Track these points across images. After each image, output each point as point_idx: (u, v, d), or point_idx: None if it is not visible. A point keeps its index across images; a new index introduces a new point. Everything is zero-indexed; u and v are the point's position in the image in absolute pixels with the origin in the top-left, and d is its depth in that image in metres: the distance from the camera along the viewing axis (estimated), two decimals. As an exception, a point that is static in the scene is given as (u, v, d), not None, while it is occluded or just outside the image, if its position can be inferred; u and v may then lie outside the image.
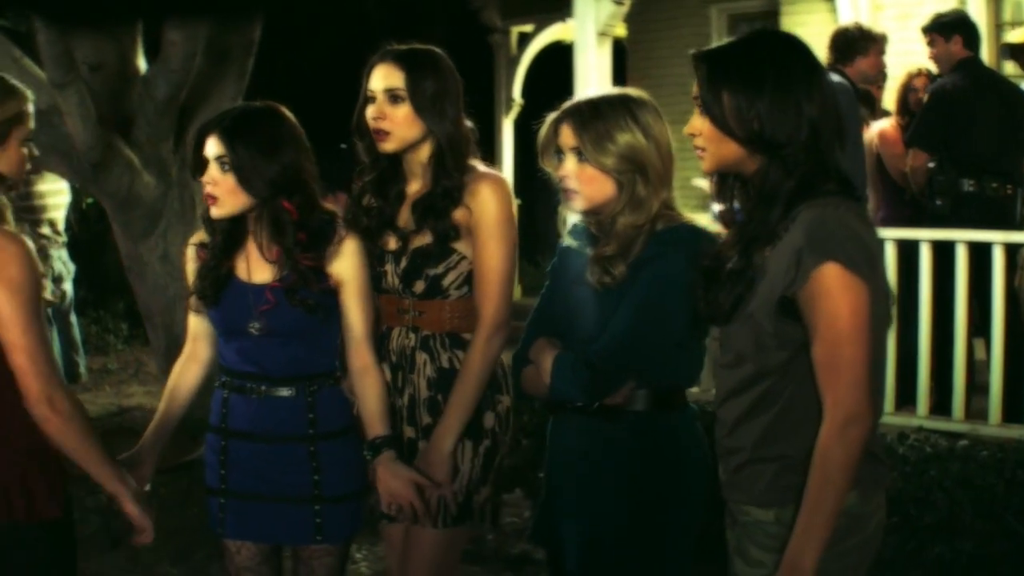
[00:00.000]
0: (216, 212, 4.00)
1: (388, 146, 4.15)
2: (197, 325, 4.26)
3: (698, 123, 3.36)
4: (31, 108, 3.87)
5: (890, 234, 7.70)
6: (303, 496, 4.10)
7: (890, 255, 7.52)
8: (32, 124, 3.87)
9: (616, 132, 3.71)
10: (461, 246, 4.11)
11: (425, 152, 4.14)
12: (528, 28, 15.98)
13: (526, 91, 15.54)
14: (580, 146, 3.72)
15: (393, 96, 4.09)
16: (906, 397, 7.60)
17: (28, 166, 3.92)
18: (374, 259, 4.22)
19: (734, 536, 3.48)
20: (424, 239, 4.13)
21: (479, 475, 4.16)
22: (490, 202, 4.07)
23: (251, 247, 4.10)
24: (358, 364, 4.13)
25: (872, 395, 3.18)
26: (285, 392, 4.09)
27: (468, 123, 4.21)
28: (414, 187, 4.20)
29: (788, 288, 3.16)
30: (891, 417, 7.44)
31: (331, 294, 4.06)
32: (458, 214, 4.09)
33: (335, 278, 4.05)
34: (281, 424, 4.10)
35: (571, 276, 3.84)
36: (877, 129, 8.64)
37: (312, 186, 4.08)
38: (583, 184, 3.74)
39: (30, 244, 3.69)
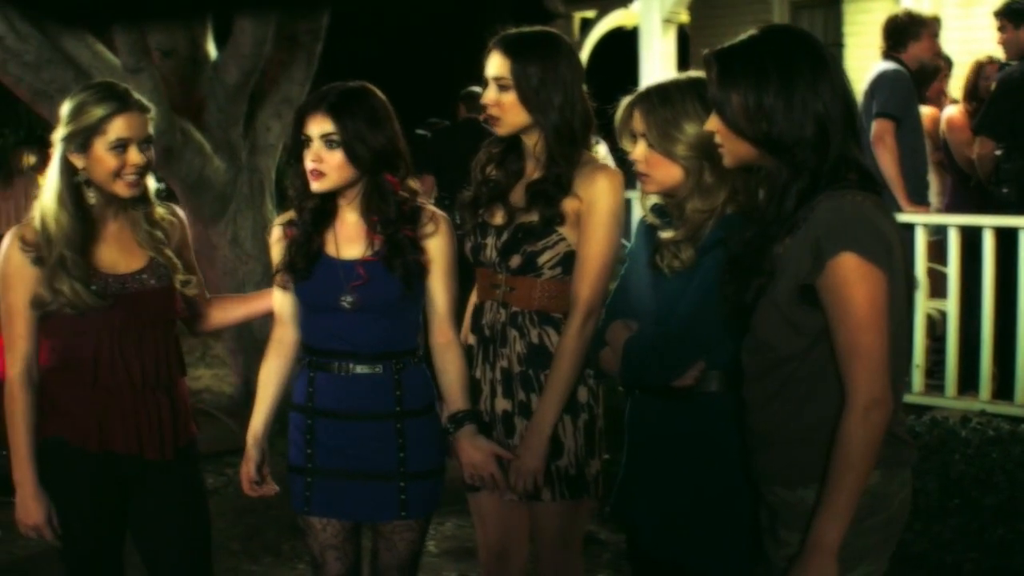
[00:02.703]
0: (318, 187, 4.05)
1: (499, 130, 4.25)
2: (283, 308, 4.29)
3: (714, 122, 3.43)
4: (122, 116, 3.99)
5: (953, 220, 7.69)
6: (388, 473, 4.17)
7: (953, 241, 7.52)
8: (123, 132, 3.98)
9: (683, 120, 3.73)
10: (564, 229, 4.16)
11: (535, 137, 4.21)
12: (590, 14, 16.02)
13: (588, 76, 15.51)
14: (647, 132, 3.77)
15: (500, 85, 4.17)
16: (969, 382, 7.60)
17: (127, 175, 4.01)
18: (476, 230, 4.33)
19: (764, 516, 3.54)
20: (530, 217, 4.19)
21: (584, 448, 4.23)
22: (605, 194, 4.11)
23: (340, 225, 4.16)
24: (441, 340, 4.24)
25: (892, 380, 3.24)
26: (372, 370, 4.15)
27: (588, 106, 4.26)
28: (531, 167, 4.26)
29: (807, 277, 3.22)
30: (954, 401, 7.45)
31: (422, 269, 4.13)
32: (569, 202, 4.14)
33: (427, 255, 4.13)
34: (369, 402, 4.16)
35: (645, 258, 3.87)
36: (945, 116, 8.61)
37: (408, 161, 4.16)
38: (651, 169, 3.78)
39: (9, 243, 4.04)
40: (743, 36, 3.41)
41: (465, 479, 4.22)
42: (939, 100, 9.05)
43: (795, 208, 3.27)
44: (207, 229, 9.01)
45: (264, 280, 8.93)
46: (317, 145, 4.03)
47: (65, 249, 3.96)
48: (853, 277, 3.16)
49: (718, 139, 3.44)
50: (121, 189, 4.03)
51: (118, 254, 4.13)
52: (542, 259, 4.19)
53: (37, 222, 4.00)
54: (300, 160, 4.10)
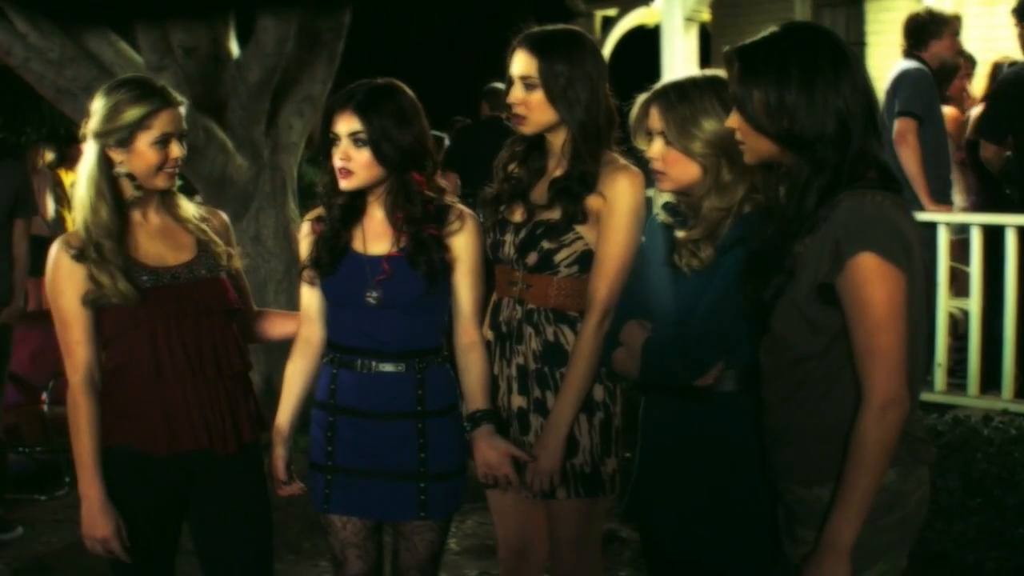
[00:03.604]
0: (347, 185, 4.05)
1: (525, 129, 4.25)
2: (310, 305, 4.27)
3: (735, 119, 3.43)
4: (165, 112, 3.98)
5: (976, 219, 7.68)
6: (409, 473, 4.15)
7: (976, 240, 7.49)
8: (166, 128, 3.98)
9: (702, 117, 3.72)
10: (582, 228, 4.17)
11: (562, 136, 4.22)
12: (612, 12, 15.99)
13: (609, 75, 15.46)
14: (665, 130, 3.76)
15: (527, 84, 4.18)
16: (991, 381, 7.57)
17: (168, 168, 4.03)
18: (496, 227, 4.34)
19: (781, 515, 3.55)
20: (551, 215, 4.20)
21: (600, 446, 4.24)
22: (626, 194, 4.12)
23: (368, 221, 4.16)
24: (465, 340, 4.22)
25: (908, 380, 3.24)
26: (395, 368, 4.13)
27: (611, 104, 4.26)
28: (553, 165, 4.28)
29: (827, 276, 3.23)
30: (976, 400, 7.42)
31: (447, 267, 4.12)
32: (591, 200, 4.14)
33: (452, 253, 4.12)
34: (390, 401, 4.14)
35: (660, 257, 3.87)
36: (973, 116, 8.58)
37: (435, 159, 4.16)
38: (669, 166, 3.77)
39: (56, 250, 4.01)
40: (764, 33, 3.42)
41: (479, 478, 4.21)
42: (961, 98, 9.03)
43: (816, 206, 3.28)
44: (229, 227, 9.03)
45: (285, 278, 8.96)
46: (345, 143, 4.02)
47: (103, 239, 3.94)
48: (872, 277, 3.17)
49: (739, 136, 3.44)
50: (161, 182, 4.04)
51: (165, 247, 4.11)
52: (559, 257, 4.20)
53: (79, 222, 3.99)
54: (329, 157, 4.09)
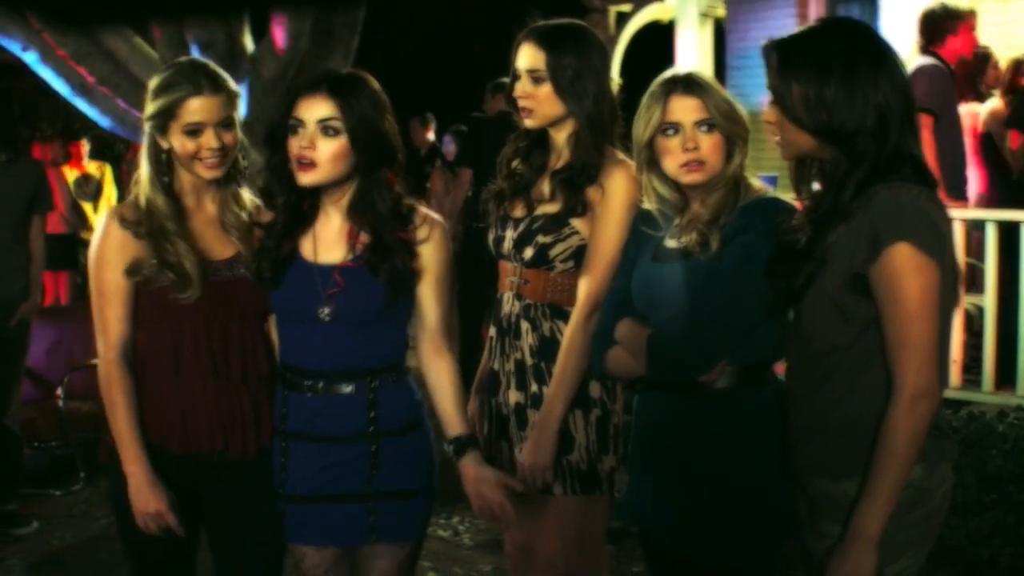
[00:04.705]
0: (308, 179, 3.71)
1: (531, 123, 4.24)
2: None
3: (772, 112, 3.43)
4: (194, 99, 3.80)
5: (991, 215, 7.66)
6: (356, 493, 3.88)
7: (991, 236, 7.48)
8: (195, 116, 3.79)
9: (727, 98, 3.78)
10: (578, 223, 4.16)
11: (567, 129, 4.22)
12: (626, 8, 15.95)
13: (623, 71, 15.52)
14: (710, 116, 3.74)
15: (535, 77, 4.17)
16: (1006, 377, 7.57)
17: (203, 158, 3.83)
18: (498, 223, 4.33)
19: (804, 508, 3.55)
20: (549, 209, 4.20)
21: (596, 444, 4.22)
22: (622, 188, 4.10)
23: (320, 225, 3.89)
24: (432, 357, 4.00)
25: (939, 372, 3.25)
26: (345, 389, 3.86)
27: (614, 97, 4.25)
28: (554, 160, 4.27)
29: (860, 266, 3.23)
30: (991, 396, 7.41)
31: (413, 275, 3.86)
32: (593, 192, 4.13)
33: (419, 260, 3.85)
34: (341, 424, 3.87)
35: (650, 254, 3.86)
36: (989, 108, 8.57)
37: (403, 157, 3.93)
38: (710, 154, 3.74)
39: (107, 220, 3.90)
40: (803, 27, 3.44)
41: (475, 513, 4.03)
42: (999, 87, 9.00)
43: (851, 198, 3.28)
44: (244, 223, 9.04)
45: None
46: (312, 131, 3.69)
47: (164, 220, 3.83)
48: (908, 267, 3.18)
49: (776, 130, 3.44)
50: (201, 171, 3.85)
51: (211, 240, 3.95)
52: (554, 252, 4.19)
53: (142, 201, 3.88)
54: (282, 148, 3.77)
